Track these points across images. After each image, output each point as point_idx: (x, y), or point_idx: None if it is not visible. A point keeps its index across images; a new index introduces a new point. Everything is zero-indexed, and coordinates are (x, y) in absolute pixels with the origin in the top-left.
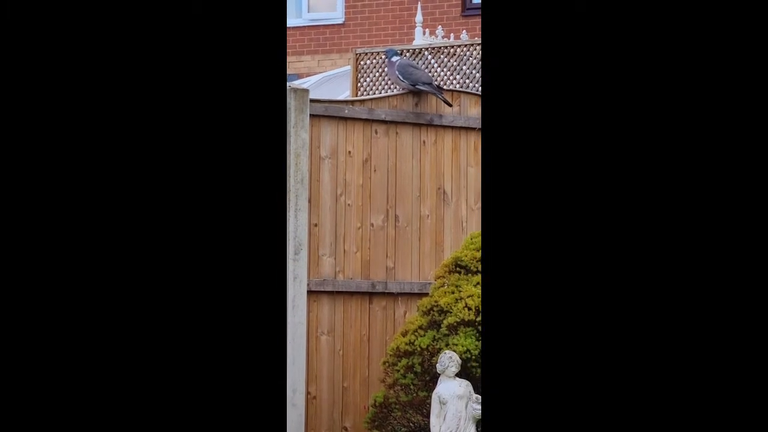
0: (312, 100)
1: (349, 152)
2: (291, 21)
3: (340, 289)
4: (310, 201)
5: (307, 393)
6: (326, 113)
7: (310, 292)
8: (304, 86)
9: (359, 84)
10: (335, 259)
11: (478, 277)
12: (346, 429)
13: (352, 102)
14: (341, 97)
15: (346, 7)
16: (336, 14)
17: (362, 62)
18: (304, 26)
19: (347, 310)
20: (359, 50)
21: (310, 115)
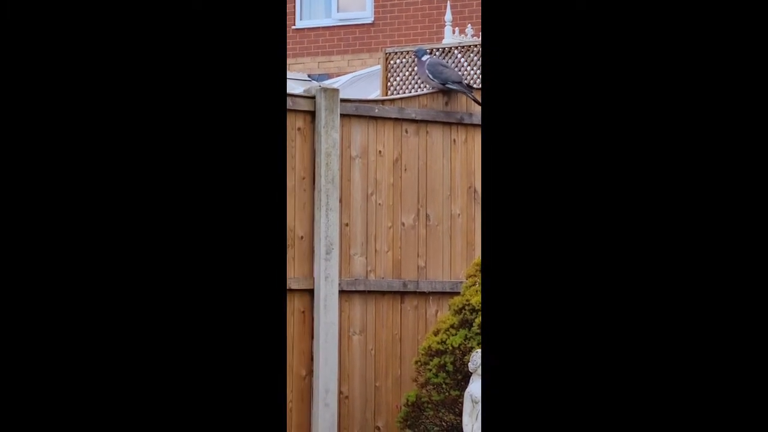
0: (342, 100)
1: (380, 151)
2: (320, 21)
3: (371, 289)
4: (341, 201)
5: (340, 392)
6: (357, 113)
7: (341, 292)
8: (335, 86)
9: (389, 83)
10: (366, 258)
11: None
12: (378, 428)
13: (383, 101)
14: (371, 97)
15: (376, 7)
16: (365, 14)
17: (392, 61)
18: (334, 26)
19: (379, 310)
20: (389, 49)
21: (341, 114)
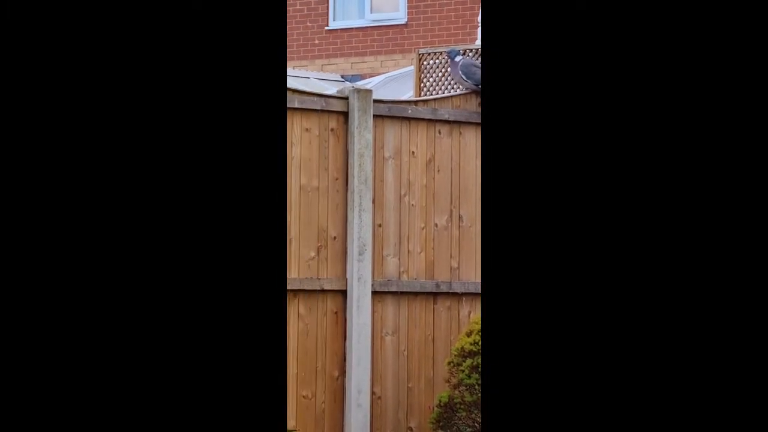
0: (375, 101)
1: (413, 152)
2: (354, 22)
3: (404, 290)
4: (373, 201)
5: (372, 393)
6: (390, 113)
7: (374, 293)
8: (368, 87)
9: (422, 84)
10: (399, 259)
11: None
12: (411, 429)
13: (416, 102)
14: (404, 98)
15: (409, 7)
16: (398, 14)
17: (425, 62)
18: (367, 27)
19: (411, 311)
20: (422, 50)
21: (374, 115)
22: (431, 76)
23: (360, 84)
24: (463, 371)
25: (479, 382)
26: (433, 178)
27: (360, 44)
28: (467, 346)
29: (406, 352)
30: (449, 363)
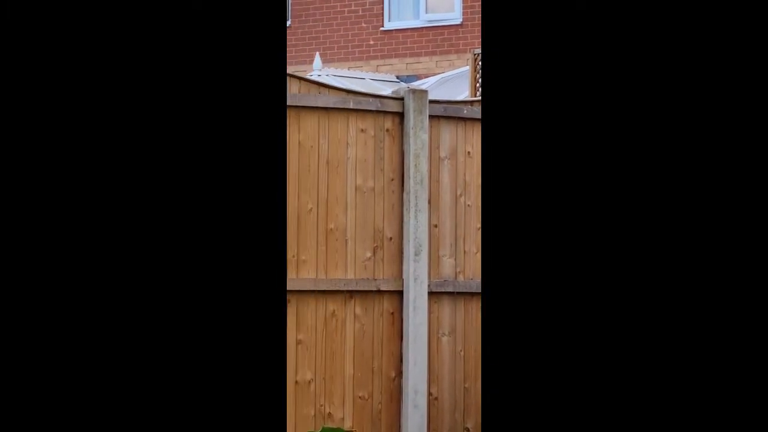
0: (431, 101)
1: (469, 152)
2: (409, 22)
3: (460, 290)
4: (429, 202)
5: (429, 394)
6: (445, 114)
7: (430, 294)
8: (423, 87)
9: (477, 84)
10: (455, 259)
11: None
12: (467, 429)
13: (471, 102)
14: (460, 98)
15: (464, 8)
16: (454, 15)
17: (480, 62)
18: (422, 27)
19: (468, 311)
20: (477, 50)
21: (429, 116)
22: None
23: (415, 84)
24: None
25: None
26: None
27: (415, 45)
28: None
29: (462, 353)
30: None
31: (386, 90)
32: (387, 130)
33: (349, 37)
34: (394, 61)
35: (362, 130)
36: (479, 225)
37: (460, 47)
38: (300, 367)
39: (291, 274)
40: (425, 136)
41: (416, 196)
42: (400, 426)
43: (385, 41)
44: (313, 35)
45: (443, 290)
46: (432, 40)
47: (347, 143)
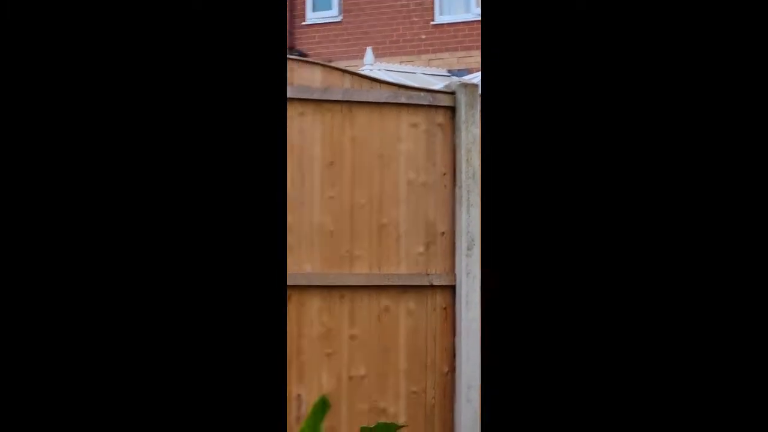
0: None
1: None
2: (460, 16)
3: None
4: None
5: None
6: None
7: None
8: (474, 81)
9: None
10: None
11: None
12: None
13: None
14: None
15: None
16: None
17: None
18: (473, 21)
19: None
20: None
21: (481, 110)
22: None
23: (467, 78)
24: None
25: None
26: None
27: (466, 38)
28: None
29: None
30: None
31: (438, 84)
32: (439, 125)
33: (400, 31)
34: (445, 55)
35: (414, 125)
36: None
37: None
38: (353, 362)
39: (344, 270)
40: (477, 131)
41: (468, 191)
42: (453, 421)
43: (436, 35)
44: (365, 30)
45: None
46: None
47: (399, 138)
